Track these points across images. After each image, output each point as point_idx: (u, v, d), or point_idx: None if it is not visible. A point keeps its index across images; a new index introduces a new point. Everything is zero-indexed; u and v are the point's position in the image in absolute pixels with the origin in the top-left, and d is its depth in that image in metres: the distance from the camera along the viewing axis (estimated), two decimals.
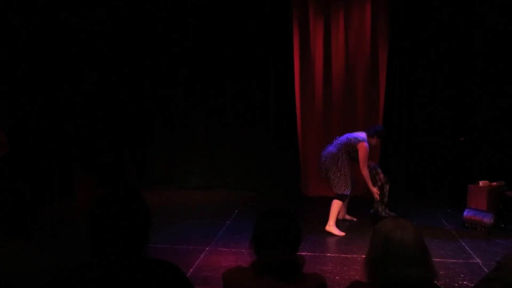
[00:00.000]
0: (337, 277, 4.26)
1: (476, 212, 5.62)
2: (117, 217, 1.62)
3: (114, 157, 8.01)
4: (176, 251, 4.90)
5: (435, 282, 1.79)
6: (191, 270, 4.38)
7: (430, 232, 5.40)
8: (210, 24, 7.63)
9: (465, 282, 4.13)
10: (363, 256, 1.90)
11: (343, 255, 4.82)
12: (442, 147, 7.04)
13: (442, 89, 6.98)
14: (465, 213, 5.74)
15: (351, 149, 5.50)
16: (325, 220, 5.56)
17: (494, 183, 5.73)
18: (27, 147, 6.50)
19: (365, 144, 5.46)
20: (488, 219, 5.47)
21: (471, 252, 4.87)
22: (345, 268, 4.47)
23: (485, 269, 4.34)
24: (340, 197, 5.53)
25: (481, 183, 5.77)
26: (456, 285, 4.10)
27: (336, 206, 5.52)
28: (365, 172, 5.51)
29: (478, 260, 4.66)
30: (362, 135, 5.55)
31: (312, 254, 4.81)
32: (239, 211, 6.57)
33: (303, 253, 4.58)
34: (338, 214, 5.66)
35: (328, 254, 4.87)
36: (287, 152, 7.56)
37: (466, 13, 6.76)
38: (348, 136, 5.57)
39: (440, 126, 7.06)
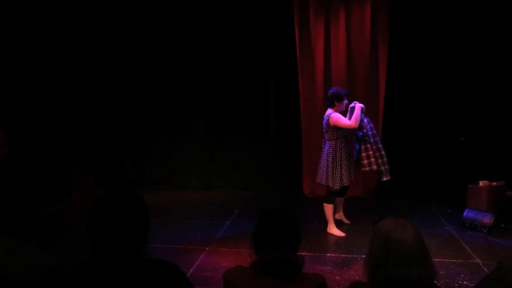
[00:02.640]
0: (337, 277, 4.26)
1: (476, 212, 5.62)
2: (116, 217, 1.62)
3: (113, 157, 8.01)
4: (176, 251, 4.91)
5: (435, 282, 1.78)
6: (191, 270, 4.39)
7: (430, 232, 5.41)
8: (211, 24, 7.62)
9: (465, 282, 4.14)
10: (363, 256, 1.91)
11: (343, 255, 4.82)
12: (442, 147, 7.04)
13: (442, 88, 6.98)
14: (465, 213, 5.74)
15: (330, 130, 5.36)
16: (325, 220, 5.56)
17: (494, 183, 5.73)
18: (27, 147, 6.49)
19: (333, 114, 5.33)
20: (488, 219, 5.47)
21: (471, 252, 4.87)
22: (345, 268, 4.48)
23: (485, 269, 4.35)
24: (327, 198, 5.49)
25: (481, 183, 5.77)
26: (456, 285, 4.10)
27: (327, 209, 5.50)
28: (349, 122, 5.28)
29: (478, 260, 4.66)
30: (327, 112, 5.45)
31: (312, 254, 4.81)
32: (239, 211, 6.57)
33: (303, 253, 4.59)
34: (334, 214, 5.65)
35: (328, 254, 4.87)
36: (287, 152, 7.56)
37: (466, 12, 6.76)
38: (323, 129, 5.49)
39: (440, 126, 7.06)
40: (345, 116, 5.44)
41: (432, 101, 7.05)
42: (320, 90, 7.58)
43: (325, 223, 5.56)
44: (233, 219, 6.19)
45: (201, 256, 4.80)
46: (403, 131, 7.24)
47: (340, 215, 5.94)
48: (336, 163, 5.31)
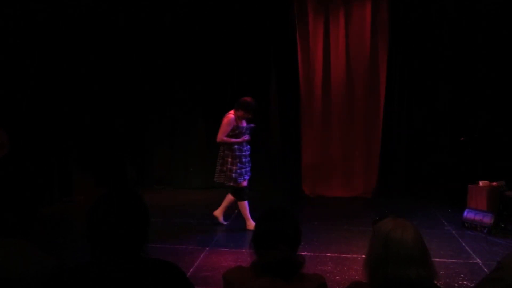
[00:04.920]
0: (337, 277, 4.26)
1: (476, 212, 5.62)
2: (116, 217, 1.62)
3: (113, 157, 8.01)
4: (176, 251, 4.90)
5: (435, 282, 1.78)
6: (191, 270, 4.38)
7: (430, 232, 5.41)
8: (211, 24, 7.62)
9: (465, 282, 4.13)
10: (363, 256, 1.90)
11: (343, 255, 4.82)
12: (442, 147, 7.04)
13: (442, 88, 6.98)
14: (465, 213, 5.74)
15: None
16: (326, 220, 5.58)
17: (494, 183, 5.73)
18: (27, 147, 6.49)
19: (228, 115, 5.38)
20: (488, 219, 5.47)
21: (471, 252, 4.87)
22: (345, 268, 4.47)
23: (485, 269, 4.34)
24: (237, 196, 5.54)
25: (481, 183, 5.77)
26: (456, 285, 4.10)
27: (242, 207, 5.57)
28: (221, 136, 5.43)
29: (478, 260, 4.66)
30: (230, 111, 5.48)
31: (312, 254, 4.81)
32: (239, 211, 6.55)
33: (303, 253, 4.59)
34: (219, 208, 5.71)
35: (328, 254, 4.86)
36: (287, 152, 7.56)
37: (466, 13, 6.76)
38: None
39: (440, 126, 7.06)
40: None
41: (432, 101, 7.05)
42: (319, 90, 7.58)
43: (325, 223, 5.56)
44: (233, 219, 6.19)
45: (201, 256, 4.79)
46: (403, 131, 7.24)
47: (220, 213, 5.83)
48: (232, 159, 5.45)
